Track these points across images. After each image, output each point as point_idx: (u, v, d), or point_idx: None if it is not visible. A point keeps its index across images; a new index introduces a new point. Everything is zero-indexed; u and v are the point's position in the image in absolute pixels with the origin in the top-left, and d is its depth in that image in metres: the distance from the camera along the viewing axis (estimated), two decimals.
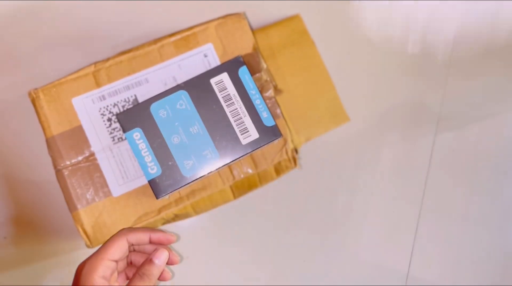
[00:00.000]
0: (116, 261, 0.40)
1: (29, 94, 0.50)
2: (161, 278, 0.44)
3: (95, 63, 0.51)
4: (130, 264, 0.44)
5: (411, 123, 0.63)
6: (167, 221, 0.53)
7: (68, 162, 0.49)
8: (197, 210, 0.54)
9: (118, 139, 0.50)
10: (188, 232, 0.58)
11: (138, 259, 0.44)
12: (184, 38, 0.52)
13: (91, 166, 0.50)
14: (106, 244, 0.40)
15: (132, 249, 0.43)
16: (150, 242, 0.44)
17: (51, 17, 0.56)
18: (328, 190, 0.61)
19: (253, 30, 0.58)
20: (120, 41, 0.55)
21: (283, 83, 0.59)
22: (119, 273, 0.44)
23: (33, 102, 0.50)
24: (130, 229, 0.42)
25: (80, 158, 0.50)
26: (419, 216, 0.63)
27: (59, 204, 0.53)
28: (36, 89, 0.50)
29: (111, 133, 0.50)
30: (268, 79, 0.54)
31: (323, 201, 0.60)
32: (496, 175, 0.65)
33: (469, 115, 0.65)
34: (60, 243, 0.55)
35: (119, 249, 0.40)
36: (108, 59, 0.51)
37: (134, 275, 0.41)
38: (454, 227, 0.64)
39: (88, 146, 0.50)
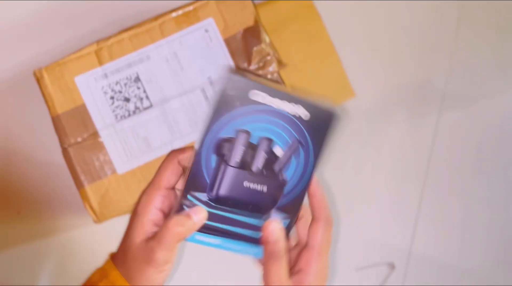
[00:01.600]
0: (173, 188, 0.37)
1: (34, 73, 0.51)
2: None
3: (97, 41, 0.51)
4: None
5: (416, 100, 0.62)
6: None
7: (73, 141, 0.50)
8: None
9: (121, 117, 0.51)
10: None
11: None
12: (185, 14, 0.52)
13: (96, 144, 0.50)
14: (158, 171, 0.37)
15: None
16: None
17: None
18: (331, 166, 0.60)
19: (256, 4, 0.57)
20: (121, 17, 0.55)
21: (288, 57, 0.58)
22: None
23: (38, 81, 0.51)
24: (179, 150, 0.37)
25: (85, 136, 0.50)
26: (422, 194, 0.62)
27: (68, 180, 0.55)
28: (40, 68, 0.51)
29: (113, 111, 0.51)
30: (271, 52, 0.53)
31: (326, 176, 0.60)
32: (501, 153, 0.63)
33: (475, 93, 0.63)
34: (70, 218, 0.57)
35: (173, 174, 0.36)
36: (109, 37, 0.51)
37: (166, 225, 0.35)
38: (457, 205, 0.63)
39: (92, 124, 0.50)
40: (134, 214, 0.37)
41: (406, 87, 0.62)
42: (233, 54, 0.52)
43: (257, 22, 0.52)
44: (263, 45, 0.52)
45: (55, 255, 0.57)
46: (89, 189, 0.50)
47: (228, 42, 0.52)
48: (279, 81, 0.53)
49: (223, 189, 0.35)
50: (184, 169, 0.38)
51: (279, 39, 0.57)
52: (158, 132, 0.51)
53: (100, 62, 0.51)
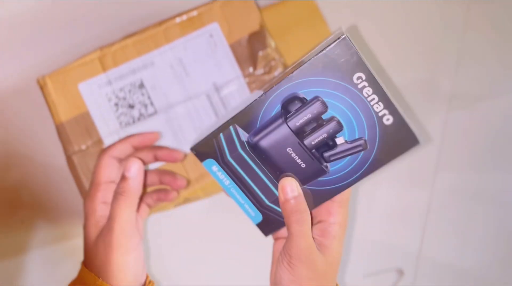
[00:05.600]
0: (114, 182, 0.39)
1: (37, 81, 0.50)
2: (170, 160, 0.42)
3: (101, 47, 0.51)
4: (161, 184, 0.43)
5: (423, 102, 0.61)
6: (178, 204, 0.53)
7: (77, 148, 0.50)
8: (207, 192, 0.54)
9: (125, 123, 0.50)
10: (200, 215, 0.58)
11: (166, 178, 0.44)
12: (189, 19, 0.51)
13: (100, 152, 0.50)
14: (94, 170, 0.40)
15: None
16: (156, 158, 0.43)
17: (54, 1, 0.56)
18: None
19: (261, 8, 0.57)
20: (124, 23, 0.54)
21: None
22: (142, 201, 0.43)
23: (41, 89, 0.50)
24: (110, 146, 0.41)
25: (89, 143, 0.50)
26: (431, 197, 0.62)
27: (73, 188, 0.54)
28: (43, 76, 0.50)
29: (118, 117, 0.50)
30: (277, 57, 0.53)
31: None
32: (509, 154, 0.63)
33: (482, 93, 0.63)
34: (75, 227, 0.56)
35: (107, 168, 0.39)
36: (113, 43, 0.51)
37: (112, 201, 0.37)
38: (467, 207, 0.62)
39: (96, 131, 0.50)
40: (85, 217, 0.38)
41: (412, 89, 0.61)
42: (238, 59, 0.51)
43: (262, 27, 0.51)
44: (268, 50, 0.51)
45: (59, 264, 0.57)
46: None
47: (233, 47, 0.51)
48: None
49: (266, 142, 0.32)
50: (119, 163, 0.40)
51: (284, 43, 0.57)
52: (163, 138, 0.50)
53: (104, 69, 0.50)
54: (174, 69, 0.51)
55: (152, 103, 0.50)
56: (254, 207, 0.35)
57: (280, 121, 0.31)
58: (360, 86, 0.30)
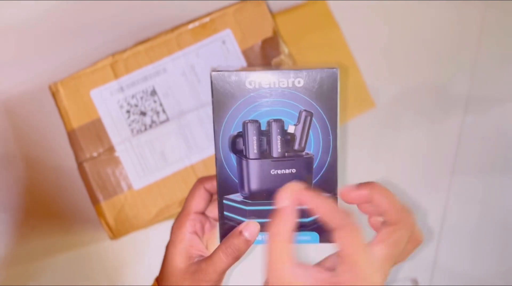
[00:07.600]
0: (203, 213, 0.39)
1: (49, 88, 0.50)
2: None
3: (113, 54, 0.50)
4: None
5: (439, 107, 0.60)
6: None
7: (88, 156, 0.49)
8: None
9: (137, 131, 0.50)
10: None
11: None
12: (202, 25, 0.51)
13: (112, 159, 0.49)
14: (186, 198, 0.39)
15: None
16: None
17: (66, 8, 0.56)
18: (351, 178, 0.59)
19: (274, 14, 0.56)
20: (137, 30, 0.54)
21: None
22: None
23: (53, 95, 0.50)
24: (206, 178, 0.39)
25: (100, 150, 0.50)
26: (446, 204, 0.61)
27: (84, 195, 0.54)
28: (55, 82, 0.50)
29: (130, 125, 0.50)
30: (290, 64, 0.52)
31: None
32: None
33: (499, 97, 0.62)
34: (86, 234, 0.56)
35: (200, 199, 0.38)
36: (125, 50, 0.50)
37: (219, 246, 0.36)
38: (484, 214, 0.61)
39: (108, 138, 0.49)
40: (170, 242, 0.38)
41: (428, 93, 0.60)
42: (251, 65, 0.51)
43: (275, 33, 0.51)
44: (282, 57, 0.51)
45: (70, 271, 0.56)
46: (104, 205, 0.49)
47: (246, 53, 0.51)
48: None
49: (253, 184, 0.35)
50: (211, 196, 0.39)
51: (297, 49, 0.56)
52: (175, 146, 0.50)
53: (116, 76, 0.50)
54: (187, 75, 0.50)
55: (164, 110, 0.50)
56: (304, 232, 0.37)
57: (245, 162, 0.35)
58: (257, 86, 0.34)
